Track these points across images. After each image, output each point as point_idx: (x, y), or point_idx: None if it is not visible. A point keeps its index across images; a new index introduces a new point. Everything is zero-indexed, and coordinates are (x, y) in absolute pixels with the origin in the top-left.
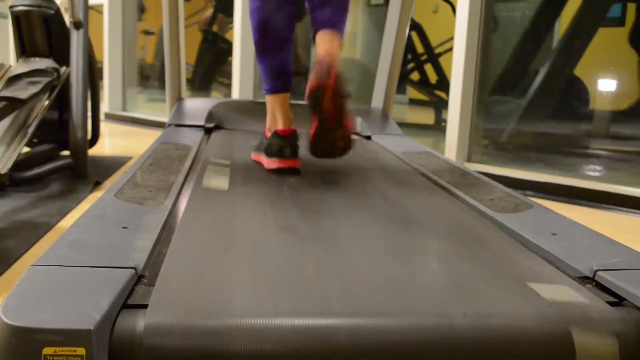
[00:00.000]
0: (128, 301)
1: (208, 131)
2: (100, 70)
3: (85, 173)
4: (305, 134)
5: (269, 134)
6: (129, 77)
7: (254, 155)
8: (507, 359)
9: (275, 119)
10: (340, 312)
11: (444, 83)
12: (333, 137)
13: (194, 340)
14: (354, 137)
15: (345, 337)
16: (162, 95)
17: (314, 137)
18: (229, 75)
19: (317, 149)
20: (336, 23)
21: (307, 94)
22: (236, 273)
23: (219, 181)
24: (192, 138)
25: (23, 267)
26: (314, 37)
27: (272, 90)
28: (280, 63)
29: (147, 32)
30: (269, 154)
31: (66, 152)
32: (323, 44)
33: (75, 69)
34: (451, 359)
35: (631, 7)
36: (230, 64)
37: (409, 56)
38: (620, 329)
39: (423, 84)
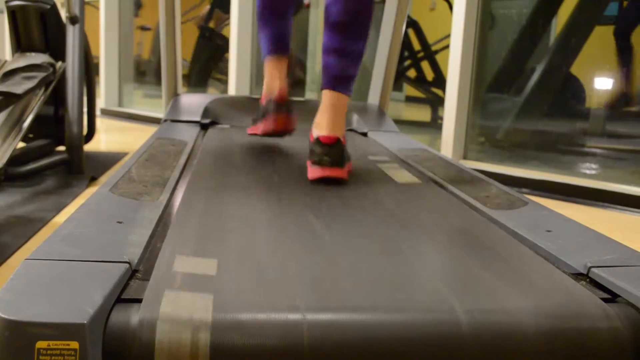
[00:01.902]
0: (122, 295)
1: (204, 127)
2: (97, 65)
3: (80, 168)
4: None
5: (265, 101)
6: (125, 73)
7: (250, 130)
8: (499, 355)
9: (273, 81)
10: (337, 307)
11: (440, 80)
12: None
13: (187, 335)
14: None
15: (343, 333)
16: (159, 91)
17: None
18: (225, 72)
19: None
20: (348, 82)
21: (310, 177)
22: (231, 267)
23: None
24: (188, 134)
25: (18, 262)
26: (322, 88)
27: (274, 51)
28: (279, 30)
29: (143, 28)
30: (264, 115)
31: (62, 148)
32: (328, 115)
33: (71, 64)
34: (444, 355)
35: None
36: (226, 60)
37: (406, 53)
38: (614, 326)
39: (419, 81)
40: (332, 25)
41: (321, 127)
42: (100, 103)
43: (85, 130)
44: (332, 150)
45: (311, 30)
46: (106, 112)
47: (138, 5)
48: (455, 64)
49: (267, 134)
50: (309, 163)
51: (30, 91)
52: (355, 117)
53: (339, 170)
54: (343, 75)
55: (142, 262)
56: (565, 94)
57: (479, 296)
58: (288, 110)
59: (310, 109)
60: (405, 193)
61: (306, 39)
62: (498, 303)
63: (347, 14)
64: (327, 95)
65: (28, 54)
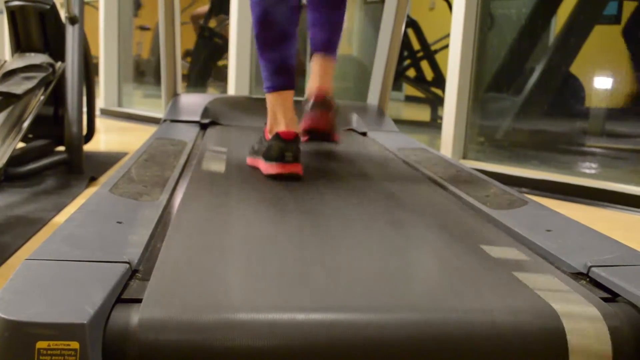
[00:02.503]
0: (122, 296)
1: (204, 127)
2: (96, 65)
3: (80, 169)
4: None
5: (269, 136)
6: (125, 73)
7: (250, 160)
8: (500, 355)
9: (276, 120)
10: (335, 306)
11: (440, 80)
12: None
13: (188, 335)
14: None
15: (340, 332)
16: (158, 91)
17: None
18: (224, 74)
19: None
20: (331, 46)
21: (302, 130)
22: (231, 268)
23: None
24: (188, 134)
25: (18, 262)
26: (311, 55)
27: (274, 88)
28: (282, 58)
29: (143, 28)
30: (268, 157)
31: (61, 148)
32: (318, 74)
33: (71, 65)
34: (443, 354)
35: (627, 5)
36: (226, 60)
37: (405, 53)
38: (614, 325)
39: (419, 80)
40: (314, 1)
41: (312, 86)
42: (100, 103)
43: (84, 131)
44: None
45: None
46: (106, 112)
47: (137, 5)
48: (454, 64)
49: (270, 177)
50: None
51: (30, 91)
52: (354, 117)
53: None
54: (329, 40)
55: (142, 262)
56: (565, 93)
57: (477, 295)
58: (295, 152)
59: None
60: (404, 193)
61: (305, 39)
62: (497, 302)
63: None
64: (316, 58)
65: (27, 54)
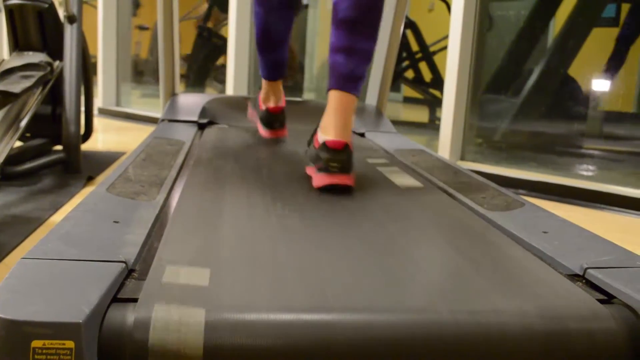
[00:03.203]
0: (118, 295)
1: (201, 127)
2: (94, 65)
3: (78, 168)
4: (302, 130)
5: (262, 107)
6: (123, 73)
7: (250, 112)
8: (494, 357)
9: (268, 97)
10: (334, 307)
11: (438, 81)
12: None
13: (183, 335)
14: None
15: (338, 333)
16: (156, 90)
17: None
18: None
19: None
20: (357, 82)
21: (315, 185)
22: (227, 267)
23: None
24: (186, 133)
25: (15, 262)
26: (329, 89)
27: (269, 78)
28: (277, 57)
29: (141, 28)
30: (264, 124)
31: (59, 147)
32: (335, 117)
33: (69, 64)
34: (439, 356)
35: (625, 8)
36: (224, 60)
37: (404, 54)
38: (610, 327)
39: (417, 82)
40: (341, 22)
41: (328, 130)
42: (98, 102)
43: (82, 130)
44: (340, 156)
45: (309, 31)
46: (104, 112)
47: (136, 5)
48: (453, 65)
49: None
50: (313, 169)
51: (28, 90)
52: (352, 118)
53: (346, 177)
54: (352, 74)
55: (138, 261)
56: (563, 95)
57: (474, 297)
58: (281, 122)
59: (308, 110)
60: (402, 194)
61: (304, 40)
62: (493, 304)
63: (357, 10)
64: (334, 96)
65: (25, 53)
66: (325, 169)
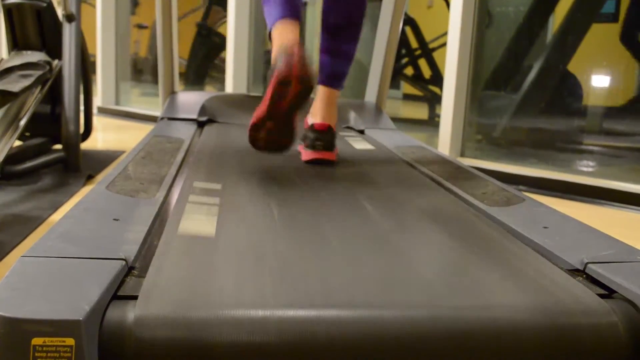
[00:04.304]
0: (118, 292)
1: (201, 125)
2: (93, 64)
3: (77, 167)
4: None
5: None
6: (122, 71)
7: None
8: (496, 352)
9: (282, 38)
10: (333, 303)
11: (437, 78)
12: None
13: (183, 332)
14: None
15: (336, 329)
16: (155, 89)
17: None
18: (222, 70)
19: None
20: (340, 79)
21: (303, 159)
22: (227, 265)
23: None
24: (185, 131)
25: (15, 260)
26: (317, 83)
27: (282, 15)
28: None
29: (140, 26)
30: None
31: (58, 146)
32: (321, 108)
33: (68, 63)
34: (440, 351)
35: (624, 4)
36: (223, 58)
37: (403, 51)
38: (611, 321)
39: (417, 78)
40: (327, 28)
41: (315, 115)
42: (97, 101)
43: (82, 129)
44: (324, 136)
45: (308, 29)
46: (103, 110)
47: (135, 3)
48: (452, 62)
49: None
50: (301, 147)
51: (27, 89)
52: (352, 115)
53: (329, 153)
54: (336, 73)
55: (138, 259)
56: (562, 91)
57: (474, 292)
58: (306, 60)
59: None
60: (402, 189)
61: (303, 38)
62: (494, 299)
63: (342, 19)
64: (322, 90)
65: (24, 52)
66: (312, 146)
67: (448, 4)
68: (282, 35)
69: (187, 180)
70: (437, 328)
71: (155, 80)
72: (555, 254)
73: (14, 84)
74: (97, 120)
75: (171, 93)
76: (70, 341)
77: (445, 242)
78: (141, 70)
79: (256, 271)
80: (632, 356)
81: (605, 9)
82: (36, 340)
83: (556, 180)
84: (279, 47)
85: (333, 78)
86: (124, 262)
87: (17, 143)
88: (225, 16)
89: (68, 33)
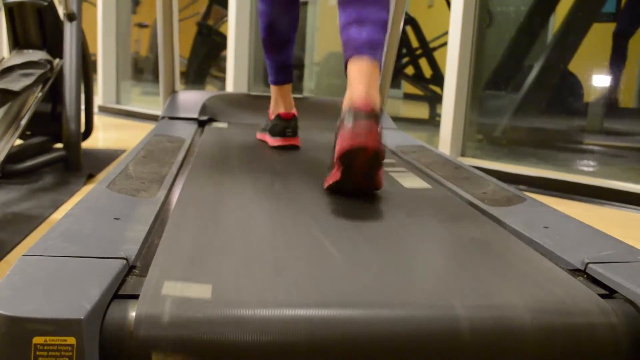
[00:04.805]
0: (119, 291)
1: (202, 124)
2: (94, 63)
3: (78, 166)
4: (302, 127)
5: (272, 117)
6: (123, 70)
7: (259, 135)
8: (496, 351)
9: (278, 104)
10: (335, 302)
11: (438, 77)
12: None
13: (184, 331)
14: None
15: (339, 328)
16: (156, 88)
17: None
18: (222, 70)
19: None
20: (376, 48)
21: (338, 154)
22: (228, 264)
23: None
24: (186, 131)
25: (16, 259)
26: (346, 64)
27: (278, 82)
28: (284, 58)
29: (141, 25)
30: (273, 134)
31: (59, 145)
32: (359, 81)
33: (69, 62)
34: (441, 350)
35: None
36: (224, 57)
37: (404, 50)
38: (611, 321)
39: (417, 78)
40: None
41: (357, 90)
42: (98, 100)
43: (82, 128)
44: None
45: (309, 27)
46: (104, 110)
47: (135, 2)
48: (453, 61)
49: (276, 148)
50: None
51: (28, 88)
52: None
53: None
54: (367, 40)
55: (139, 258)
56: (563, 91)
57: (475, 292)
58: (293, 129)
59: (308, 106)
60: (402, 189)
61: (304, 37)
62: (495, 299)
63: None
64: (351, 67)
65: (25, 51)
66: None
67: (449, 4)
68: (276, 101)
69: (188, 180)
70: (436, 328)
71: (155, 79)
72: (556, 254)
73: (15, 83)
74: (98, 119)
75: (172, 92)
76: (72, 340)
77: (445, 242)
78: (142, 69)
79: (257, 271)
80: (633, 356)
81: (605, 8)
82: (37, 339)
83: (557, 180)
84: (276, 108)
85: (363, 46)
86: (125, 261)
87: (18, 142)
88: (226, 15)
89: (69, 32)
